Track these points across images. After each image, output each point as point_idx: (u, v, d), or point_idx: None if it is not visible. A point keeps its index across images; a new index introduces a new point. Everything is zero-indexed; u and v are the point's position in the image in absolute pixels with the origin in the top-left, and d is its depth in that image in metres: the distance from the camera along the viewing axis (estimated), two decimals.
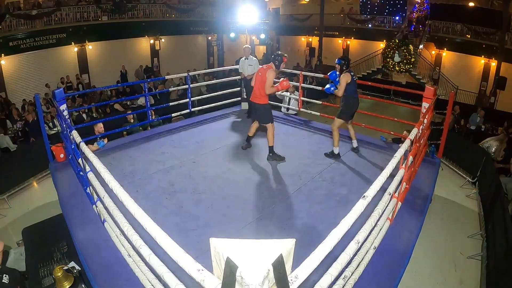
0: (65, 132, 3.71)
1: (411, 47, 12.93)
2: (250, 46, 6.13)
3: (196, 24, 15.81)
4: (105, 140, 4.87)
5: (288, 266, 1.03)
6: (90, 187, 2.82)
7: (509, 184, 5.33)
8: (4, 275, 2.65)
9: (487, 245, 4.32)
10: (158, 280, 1.91)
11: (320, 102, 6.01)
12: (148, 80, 7.60)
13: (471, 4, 13.47)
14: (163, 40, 15.21)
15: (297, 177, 3.81)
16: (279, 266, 0.95)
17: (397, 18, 15.21)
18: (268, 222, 3.01)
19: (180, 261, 1.17)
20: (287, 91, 6.65)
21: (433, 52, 14.39)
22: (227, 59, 15.46)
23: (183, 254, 1.19)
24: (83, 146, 2.56)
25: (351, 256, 1.62)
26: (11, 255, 3.30)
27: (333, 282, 1.57)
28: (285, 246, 1.00)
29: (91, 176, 2.55)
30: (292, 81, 6.49)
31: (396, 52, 13.11)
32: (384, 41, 14.64)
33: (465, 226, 5.04)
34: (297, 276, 1.07)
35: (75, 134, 2.80)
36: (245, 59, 6.09)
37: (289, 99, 6.50)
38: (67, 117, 3.98)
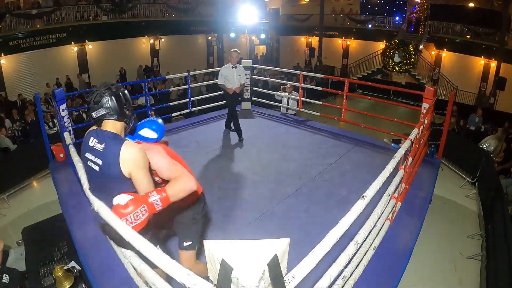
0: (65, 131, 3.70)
1: (411, 47, 12.94)
2: (238, 51, 4.85)
3: (196, 24, 15.81)
4: None
5: (283, 266, 1.03)
6: None
7: (510, 187, 5.32)
8: (4, 274, 2.65)
9: (487, 245, 4.32)
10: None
11: (320, 102, 6.01)
12: (148, 80, 7.61)
13: (471, 4, 13.47)
14: (163, 40, 15.20)
15: (297, 177, 3.81)
16: (274, 266, 0.95)
17: (396, 18, 15.22)
18: (268, 222, 3.02)
19: (169, 270, 1.09)
20: (285, 91, 6.66)
21: (433, 52, 14.39)
22: (227, 59, 15.43)
23: (169, 261, 1.10)
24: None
25: (350, 257, 1.62)
26: (11, 254, 3.29)
27: (333, 283, 1.58)
28: (280, 246, 1.00)
29: None
30: (292, 81, 6.52)
31: (396, 52, 13.12)
32: (384, 41, 14.65)
33: (465, 226, 5.04)
34: (294, 276, 1.07)
35: (66, 136, 2.79)
36: (232, 67, 4.71)
37: (288, 99, 6.49)
38: (67, 116, 3.98)
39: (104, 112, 1.54)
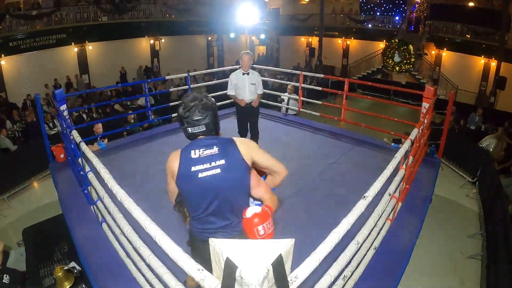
0: (65, 132, 3.71)
1: (411, 47, 12.95)
2: (251, 53, 3.99)
3: (196, 25, 15.83)
4: (105, 141, 4.87)
5: (287, 266, 1.03)
6: (90, 187, 2.82)
7: (511, 187, 5.32)
8: (5, 275, 2.66)
9: (487, 245, 4.32)
10: (157, 280, 1.91)
11: (320, 102, 6.01)
12: (148, 80, 7.61)
13: (471, 4, 13.48)
14: (163, 40, 15.23)
15: (297, 177, 3.81)
16: (278, 266, 0.95)
17: (396, 18, 15.25)
18: None
19: (180, 260, 1.17)
20: (286, 91, 6.67)
21: (433, 52, 14.40)
22: (227, 59, 15.47)
23: (182, 254, 1.19)
24: (83, 146, 2.56)
25: (351, 257, 1.62)
26: (12, 255, 3.30)
27: (333, 282, 1.58)
28: (284, 246, 1.00)
29: (90, 176, 2.56)
30: (292, 81, 6.53)
31: (396, 52, 13.13)
32: (384, 41, 14.66)
33: (465, 226, 5.04)
34: (297, 276, 1.07)
35: (75, 134, 2.80)
36: (243, 73, 3.87)
37: (288, 99, 6.50)
38: (67, 117, 3.98)
39: (204, 130, 1.50)
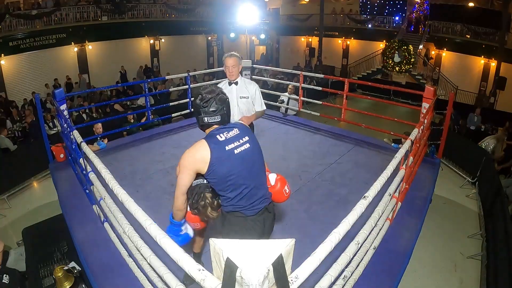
0: (65, 132, 3.71)
1: (411, 47, 12.95)
2: (238, 55, 2.93)
3: (196, 24, 15.82)
4: (105, 141, 4.87)
5: (288, 266, 1.03)
6: (91, 187, 2.82)
7: (511, 187, 5.32)
8: (4, 275, 2.66)
9: (487, 245, 4.32)
10: (158, 279, 1.91)
11: (320, 102, 6.01)
12: (148, 80, 7.61)
13: (471, 4, 13.49)
14: (163, 40, 15.22)
15: (297, 177, 3.81)
16: (279, 266, 0.96)
17: (396, 18, 15.28)
18: None
19: (180, 260, 1.17)
20: (285, 91, 6.67)
21: (433, 52, 14.41)
22: None
23: (183, 254, 1.19)
24: (84, 146, 2.56)
25: (351, 257, 1.62)
26: (11, 255, 3.30)
27: (333, 282, 1.58)
28: (285, 246, 1.00)
29: (92, 176, 2.56)
30: (292, 81, 6.52)
31: (396, 52, 13.14)
32: (384, 41, 14.66)
33: (465, 226, 5.05)
34: (297, 276, 1.07)
35: (76, 134, 2.80)
36: (230, 83, 3.02)
37: (288, 99, 6.50)
38: (67, 117, 3.98)
39: (219, 120, 1.62)
